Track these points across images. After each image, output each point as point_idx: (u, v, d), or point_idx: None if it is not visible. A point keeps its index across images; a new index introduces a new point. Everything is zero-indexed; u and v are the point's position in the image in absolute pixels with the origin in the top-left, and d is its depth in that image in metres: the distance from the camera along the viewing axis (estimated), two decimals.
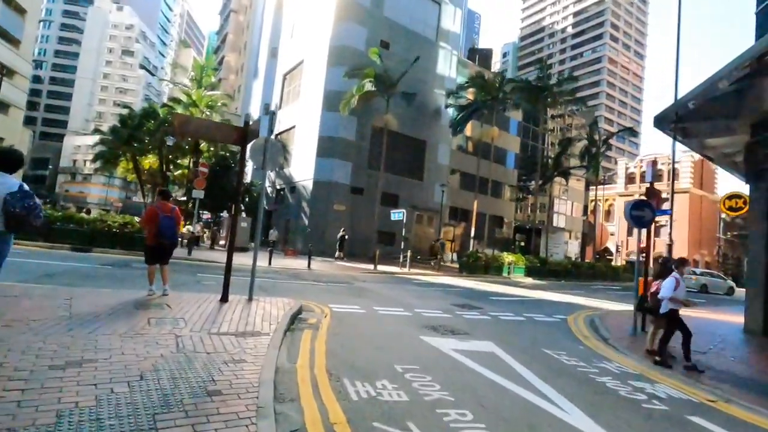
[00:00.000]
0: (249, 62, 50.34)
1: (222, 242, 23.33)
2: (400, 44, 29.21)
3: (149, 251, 6.80)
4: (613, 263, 41.55)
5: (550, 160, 38.99)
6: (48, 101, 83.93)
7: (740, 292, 34.16)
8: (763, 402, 4.74)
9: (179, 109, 28.70)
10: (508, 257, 24.10)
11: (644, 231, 9.10)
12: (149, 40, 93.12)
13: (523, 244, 42.12)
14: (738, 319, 13.06)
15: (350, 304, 8.76)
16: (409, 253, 20.02)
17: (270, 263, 15.75)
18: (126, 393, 3.02)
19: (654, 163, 9.37)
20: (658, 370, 5.90)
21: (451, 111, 32.47)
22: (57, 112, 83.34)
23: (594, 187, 38.40)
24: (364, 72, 24.11)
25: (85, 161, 68.67)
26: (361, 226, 26.48)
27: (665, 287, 6.21)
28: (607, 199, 60.80)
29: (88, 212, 19.42)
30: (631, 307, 13.16)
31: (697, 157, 58.79)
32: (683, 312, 6.47)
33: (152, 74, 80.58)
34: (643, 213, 8.23)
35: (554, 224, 43.88)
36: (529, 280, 22.35)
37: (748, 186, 14.65)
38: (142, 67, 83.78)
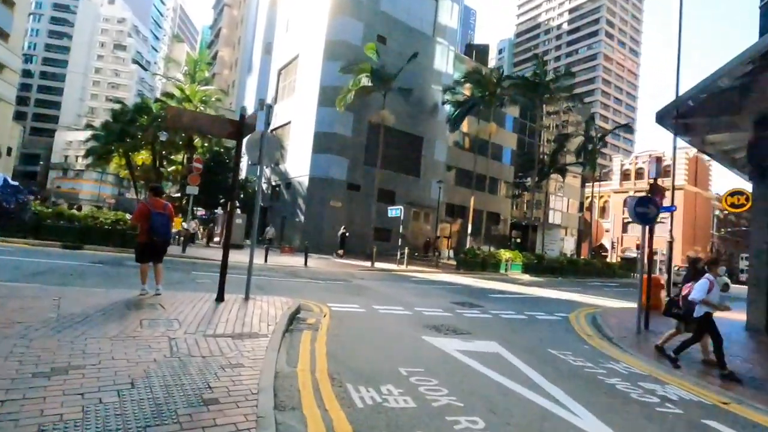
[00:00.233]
0: (243, 57, 49.80)
1: (216, 239, 23.05)
2: (396, 39, 28.93)
3: (141, 249, 6.58)
4: (608, 260, 41.69)
5: (546, 157, 38.91)
6: (38, 96, 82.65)
7: (734, 288, 34.39)
8: None
9: (172, 104, 28.27)
10: (505, 254, 24.00)
11: (645, 228, 8.93)
12: (142, 35, 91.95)
13: (519, 240, 42.12)
14: (738, 316, 13.05)
15: (349, 302, 8.57)
16: (406, 250, 19.85)
17: (266, 261, 15.51)
18: (115, 403, 2.81)
19: (658, 159, 9.26)
20: (665, 370, 5.77)
21: (448, 107, 32.27)
22: (48, 107, 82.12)
23: (590, 184, 38.39)
24: (361, 67, 23.84)
25: (76, 157, 67.82)
26: (357, 222, 26.28)
27: (698, 289, 5.81)
28: (602, 196, 61.03)
29: (79, 209, 19.05)
30: (631, 305, 13.16)
31: (692, 153, 59.13)
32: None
33: (145, 69, 79.67)
34: (648, 209, 8.09)
35: (550, 221, 43.92)
36: (527, 277, 22.28)
37: (744, 182, 14.75)
38: (135, 61, 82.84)
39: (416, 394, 3.76)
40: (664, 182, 54.10)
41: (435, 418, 3.34)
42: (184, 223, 18.75)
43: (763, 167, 9.69)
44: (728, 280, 31.51)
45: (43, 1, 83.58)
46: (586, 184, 49.93)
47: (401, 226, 22.39)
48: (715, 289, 5.81)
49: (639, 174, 62.29)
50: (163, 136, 24.17)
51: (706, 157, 62.01)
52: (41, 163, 72.67)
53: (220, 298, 6.59)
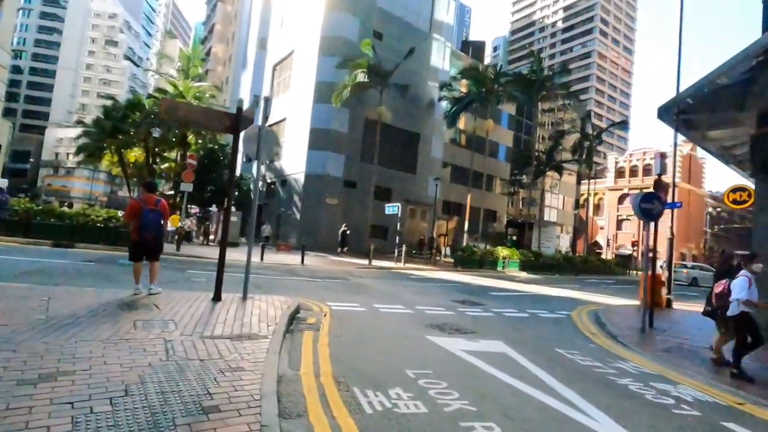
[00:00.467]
0: (237, 53, 49.24)
1: (211, 237, 22.71)
2: (393, 35, 28.68)
3: (133, 247, 6.36)
4: (602, 257, 41.82)
5: (542, 155, 38.89)
6: (28, 92, 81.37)
7: None
8: None
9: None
10: (502, 251, 23.92)
11: (649, 225, 8.82)
12: (134, 30, 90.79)
13: (515, 238, 42.13)
14: None
15: (349, 301, 8.38)
16: (404, 248, 19.68)
17: (262, 259, 15.27)
18: (108, 413, 2.60)
19: (662, 155, 9.15)
20: (675, 369, 5.64)
21: (444, 103, 32.10)
22: (38, 103, 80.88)
23: (586, 181, 38.45)
24: (357, 63, 23.59)
25: (68, 154, 66.89)
26: (353, 220, 26.05)
27: (737, 287, 5.45)
28: (596, 194, 61.22)
29: (70, 206, 18.66)
30: (631, 302, 13.12)
31: (686, 151, 59.47)
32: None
33: (137, 65, 78.69)
34: (653, 206, 7.98)
35: (546, 218, 43.96)
36: (524, 275, 22.21)
37: (741, 179, 14.71)
38: (127, 57, 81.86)
39: (426, 399, 3.58)
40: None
41: (448, 424, 3.16)
42: (186, 221, 18.52)
43: (767, 163, 9.60)
44: None
45: None
46: (582, 181, 50.06)
47: (399, 224, 22.21)
48: (753, 286, 5.48)
49: (633, 171, 62.59)
50: (156, 133, 23.78)
51: (700, 155, 62.46)
52: (31, 160, 71.61)
53: (217, 298, 6.37)
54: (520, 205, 46.03)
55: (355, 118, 27.28)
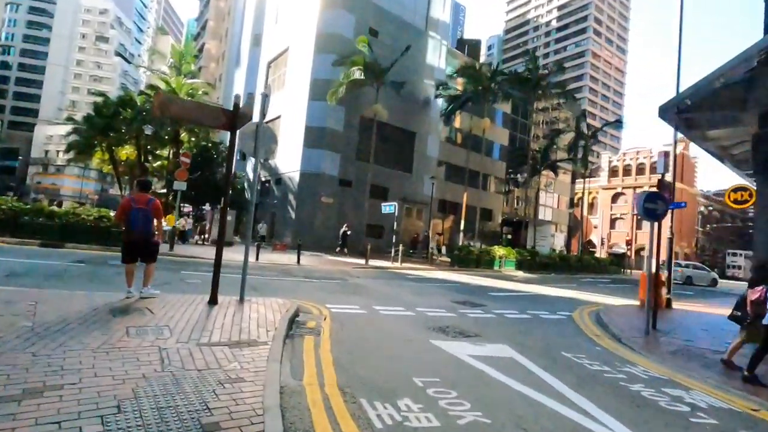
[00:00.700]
0: (231, 50, 48.69)
1: (205, 236, 22.40)
2: (389, 32, 28.45)
3: (124, 248, 6.12)
4: (596, 255, 41.99)
5: (537, 153, 38.89)
6: (17, 89, 79.98)
7: (723, 283, 34.95)
8: None
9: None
10: (499, 251, 23.85)
11: (653, 224, 8.72)
12: (125, 27, 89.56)
13: (510, 237, 42.12)
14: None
15: (348, 303, 8.18)
16: (401, 248, 19.51)
17: (257, 258, 15.01)
18: None
19: (667, 154, 9.04)
20: (683, 372, 5.53)
21: (440, 101, 31.94)
22: (27, 100, 79.52)
23: (582, 180, 38.53)
24: (353, 60, 23.32)
25: (57, 152, 65.91)
26: (349, 219, 25.82)
27: None
28: (590, 193, 61.53)
29: (60, 205, 18.24)
30: (630, 302, 13.07)
31: (678, 150, 60.02)
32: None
33: (128, 62, 77.67)
34: (656, 205, 7.86)
35: (540, 217, 44.03)
36: (521, 274, 22.15)
37: (739, 178, 14.72)
38: (118, 54, 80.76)
39: (438, 410, 3.40)
40: (651, 179, 54.87)
41: None
42: (181, 219, 18.25)
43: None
44: (716, 275, 32.04)
45: None
46: (576, 180, 50.20)
47: (395, 223, 22.03)
48: None
49: (627, 170, 62.99)
50: (148, 130, 23.38)
51: (692, 154, 63.02)
52: (20, 158, 70.47)
53: (213, 301, 6.15)
54: (515, 204, 46.06)
55: (351, 116, 27.03)
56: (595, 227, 60.95)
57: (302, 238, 19.54)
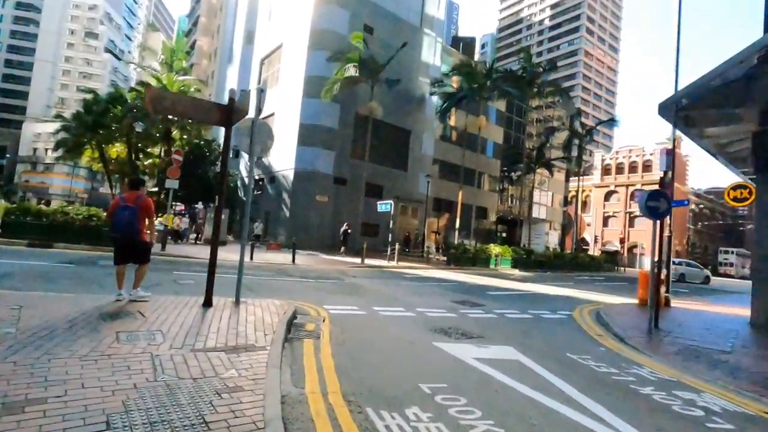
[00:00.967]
0: (223, 46, 48.14)
1: (198, 235, 22.06)
2: (383, 29, 28.21)
3: (114, 249, 5.88)
4: (589, 253, 42.18)
5: (532, 151, 38.91)
6: (4, 85, 78.57)
7: (715, 281, 35.24)
8: None
9: None
10: (495, 249, 23.78)
11: (655, 223, 8.62)
12: (115, 23, 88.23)
13: (504, 235, 42.16)
14: (735, 311, 13.07)
15: (346, 304, 7.99)
16: (397, 246, 19.34)
17: (252, 258, 14.76)
18: None
19: (668, 151, 8.94)
20: (692, 374, 5.41)
21: (435, 99, 31.80)
22: (14, 97, 78.11)
23: (576, 178, 38.63)
24: (349, 56, 23.09)
25: (46, 150, 64.74)
26: (344, 217, 25.62)
27: None
28: (583, 191, 61.85)
29: (48, 204, 17.82)
30: (628, 300, 13.02)
31: (661, 150, 60.42)
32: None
33: (118, 58, 76.56)
34: (659, 203, 7.76)
35: (535, 215, 44.11)
36: (517, 272, 22.09)
37: (736, 177, 14.75)
38: (108, 50, 79.61)
39: (448, 419, 3.23)
40: (644, 177, 55.05)
41: None
42: (176, 219, 17.97)
43: None
44: (709, 273, 32.27)
45: None
46: (570, 178, 50.39)
47: (391, 221, 21.86)
48: None
49: (620, 169, 63.37)
50: (138, 127, 22.97)
51: (684, 153, 63.52)
52: (8, 156, 69.18)
53: (207, 303, 5.93)
54: (509, 202, 46.11)
55: (346, 113, 26.79)
56: (588, 225, 61.28)
57: (297, 237, 19.29)
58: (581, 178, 44.54)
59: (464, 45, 40.93)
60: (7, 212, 12.66)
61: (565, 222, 48.34)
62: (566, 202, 50.93)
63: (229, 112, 5.76)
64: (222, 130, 5.90)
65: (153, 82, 29.66)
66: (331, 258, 19.46)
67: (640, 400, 4.26)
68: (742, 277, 51.54)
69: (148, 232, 6.00)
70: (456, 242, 26.93)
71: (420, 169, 30.44)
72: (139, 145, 31.86)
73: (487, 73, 28.53)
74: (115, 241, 5.79)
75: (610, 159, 64.60)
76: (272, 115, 29.30)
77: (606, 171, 64.46)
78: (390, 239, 21.13)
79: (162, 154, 32.03)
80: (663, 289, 12.18)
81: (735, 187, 10.05)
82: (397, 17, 29.54)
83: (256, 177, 30.66)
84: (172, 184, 15.03)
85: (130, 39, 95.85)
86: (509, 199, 45.25)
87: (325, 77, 24.31)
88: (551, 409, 3.71)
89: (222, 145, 6.07)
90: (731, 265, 55.14)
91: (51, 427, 2.39)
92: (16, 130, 71.64)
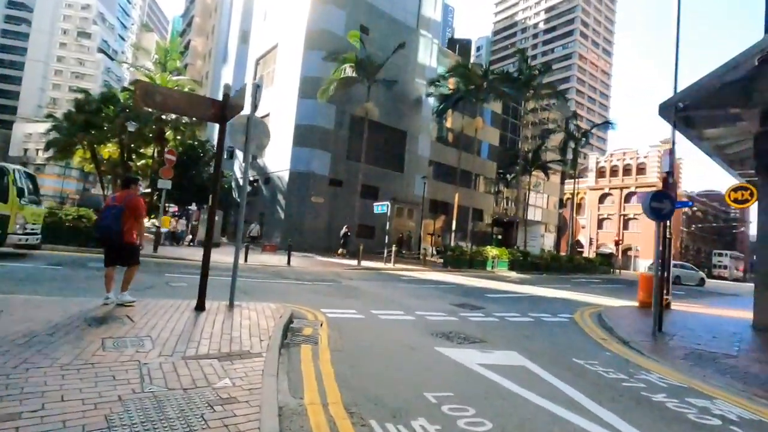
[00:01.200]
0: (217, 47, 47.78)
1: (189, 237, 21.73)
2: (380, 30, 28.07)
3: (104, 250, 5.62)
4: (584, 255, 42.24)
5: (528, 154, 38.94)
6: None
7: (710, 283, 35.36)
8: None
9: None
10: (492, 251, 23.65)
11: (659, 224, 8.49)
12: (108, 23, 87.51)
13: (500, 237, 42.11)
14: (735, 313, 13.01)
15: (344, 307, 7.77)
16: (393, 248, 19.14)
17: (246, 260, 14.48)
18: None
19: (671, 152, 8.84)
20: (702, 380, 5.25)
21: (431, 101, 31.70)
22: (5, 96, 77.19)
23: (573, 181, 38.71)
24: (345, 57, 22.91)
25: (37, 150, 63.95)
26: (340, 219, 25.40)
27: None
28: (578, 193, 62.11)
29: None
30: (627, 303, 12.90)
31: (663, 151, 60.85)
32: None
33: (111, 58, 75.88)
34: (663, 204, 7.63)
35: (530, 217, 44.12)
36: (514, 274, 21.96)
37: (733, 179, 14.72)
38: (101, 50, 78.90)
39: None
40: (638, 180, 55.30)
41: None
42: (173, 221, 17.70)
43: None
44: (704, 275, 32.38)
45: None
46: (565, 181, 50.52)
47: (388, 223, 21.67)
48: None
49: (614, 171, 63.67)
50: (131, 127, 22.55)
51: (677, 156, 63.99)
52: None
53: (200, 307, 5.68)
54: (505, 204, 46.10)
55: (342, 114, 26.59)
56: (583, 227, 61.49)
57: (292, 238, 19.03)
58: (577, 180, 44.68)
59: (460, 47, 40.92)
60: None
61: (561, 224, 48.43)
62: (561, 204, 51.04)
63: (224, 108, 5.53)
64: (216, 129, 5.67)
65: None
66: (327, 260, 19.21)
67: (654, 408, 4.07)
68: (736, 279, 51.94)
69: (135, 232, 5.72)
70: (452, 244, 26.78)
71: (416, 171, 30.29)
72: (132, 145, 31.41)
73: (484, 74, 28.48)
74: (98, 241, 5.54)
75: (605, 162, 64.89)
76: (267, 115, 29.01)
77: (600, 173, 64.73)
78: (387, 241, 20.93)
79: (155, 154, 31.62)
80: (663, 291, 12.09)
81: (736, 189, 9.96)
82: (394, 18, 29.43)
83: (251, 178, 30.34)
84: (165, 184, 14.72)
85: (123, 39, 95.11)
86: (505, 201, 45.25)
87: (321, 78, 24.11)
88: (564, 419, 3.52)
89: (216, 144, 5.84)
90: (725, 267, 55.54)
91: None
92: (6, 130, 70.73)
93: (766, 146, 9.38)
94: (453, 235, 29.34)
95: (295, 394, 3.48)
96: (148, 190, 29.79)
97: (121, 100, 29.22)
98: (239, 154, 31.47)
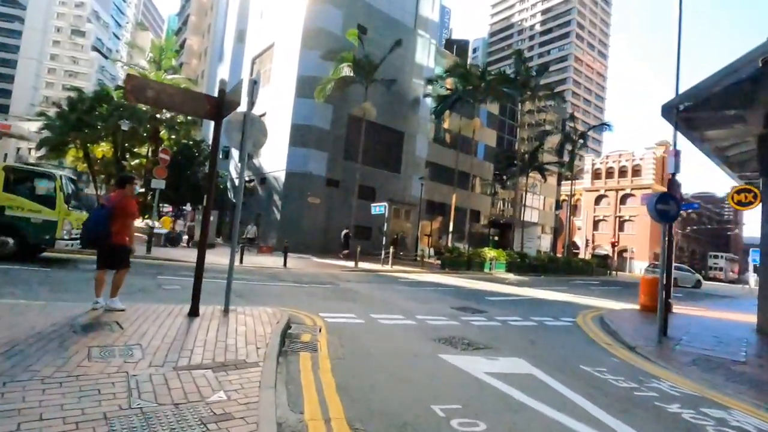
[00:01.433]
0: (213, 46, 47.43)
1: (187, 237, 21.45)
2: (377, 30, 27.86)
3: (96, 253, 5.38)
4: (580, 257, 42.24)
5: (525, 155, 38.89)
6: None
7: (706, 285, 35.44)
8: None
9: None
10: (489, 253, 23.51)
11: (665, 226, 8.34)
12: (102, 21, 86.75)
13: (497, 238, 42.03)
14: (736, 317, 12.95)
15: (342, 311, 7.55)
16: (391, 250, 18.94)
17: (241, 261, 14.23)
18: None
19: (676, 153, 8.70)
20: (714, 389, 5.09)
21: (429, 101, 31.55)
22: None
23: (570, 182, 38.71)
24: (343, 56, 22.69)
25: (29, 149, 63.08)
26: (336, 220, 25.17)
27: None
28: (574, 194, 62.20)
29: None
30: (628, 306, 12.76)
31: (660, 153, 61.03)
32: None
33: (105, 57, 75.18)
34: (669, 206, 7.47)
35: (527, 219, 44.07)
36: (512, 276, 21.82)
37: (732, 182, 14.66)
38: (95, 49, 78.16)
39: None
40: (633, 181, 55.25)
41: None
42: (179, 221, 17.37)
43: None
44: (700, 277, 32.42)
45: None
46: (561, 182, 50.55)
47: (385, 224, 21.46)
48: None
49: (609, 173, 63.79)
50: (125, 126, 22.20)
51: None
52: None
53: (193, 312, 5.44)
54: (501, 206, 46.04)
55: (339, 114, 26.35)
56: (579, 229, 61.56)
57: (288, 239, 18.77)
58: (574, 182, 44.69)
59: (458, 48, 40.84)
60: None
61: (557, 226, 48.45)
62: (558, 205, 51.08)
63: (220, 105, 5.30)
64: (212, 128, 5.45)
65: None
66: (324, 261, 18.98)
67: (670, 420, 3.89)
68: (731, 281, 52.19)
69: (124, 234, 5.45)
70: (450, 245, 26.62)
71: (413, 171, 30.12)
72: (126, 144, 31.02)
73: (482, 74, 28.36)
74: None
75: (600, 163, 65.03)
76: (264, 114, 28.67)
77: (596, 175, 64.86)
78: (384, 242, 20.73)
79: (149, 154, 31.24)
80: (668, 295, 11.97)
81: (739, 191, 9.84)
82: (391, 18, 29.25)
83: (247, 178, 30.02)
84: (159, 184, 14.43)
85: (118, 38, 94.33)
86: (501, 202, 45.18)
87: (318, 77, 23.88)
88: None
89: (211, 143, 5.60)
90: (720, 269, 55.81)
91: None
92: None
93: None
94: (450, 236, 29.18)
95: (295, 408, 3.26)
96: (142, 190, 29.42)
97: (115, 99, 28.82)
98: (234, 153, 31.16)
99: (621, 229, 60.23)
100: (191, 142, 30.84)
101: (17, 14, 77.99)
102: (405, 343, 5.80)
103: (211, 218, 19.47)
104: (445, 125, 34.47)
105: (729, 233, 78.31)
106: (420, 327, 6.95)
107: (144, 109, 28.94)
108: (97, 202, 16.32)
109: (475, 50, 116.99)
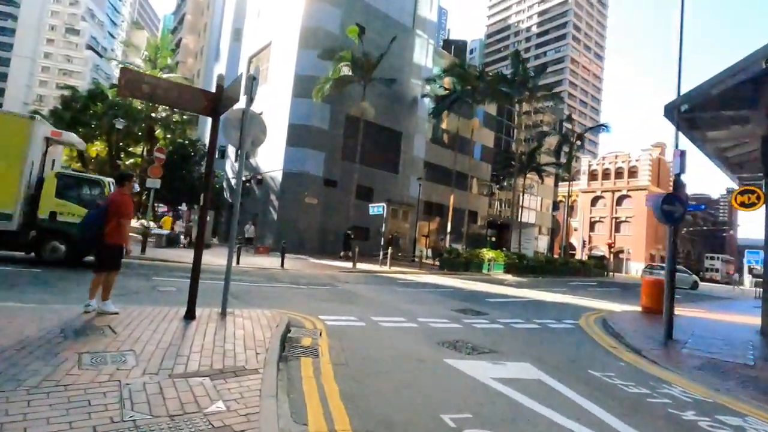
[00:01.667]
0: (209, 45, 47.11)
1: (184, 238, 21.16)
2: (375, 29, 27.71)
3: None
4: (576, 258, 42.23)
5: (523, 155, 38.84)
6: None
7: (702, 286, 35.52)
8: None
9: None
10: (488, 254, 23.39)
11: (671, 228, 8.24)
12: (97, 19, 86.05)
13: (494, 239, 41.94)
14: (738, 318, 12.89)
15: (343, 313, 7.37)
16: (389, 251, 18.77)
17: (238, 262, 14.00)
18: None
19: (682, 152, 8.58)
20: (727, 394, 4.96)
21: (427, 101, 31.43)
22: None
23: (567, 183, 38.71)
24: (341, 55, 22.52)
25: None
26: (334, 220, 24.98)
27: None
28: (570, 196, 62.32)
29: None
30: (629, 307, 12.67)
31: (655, 155, 61.30)
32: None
33: (100, 55, 74.53)
34: (675, 207, 7.37)
35: (524, 220, 44.03)
36: (510, 277, 21.70)
37: (732, 183, 14.62)
38: (90, 47, 77.53)
39: None
40: (629, 183, 55.41)
41: None
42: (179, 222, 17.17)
43: None
44: (697, 278, 32.49)
45: None
46: (558, 183, 50.58)
47: (383, 225, 21.29)
48: None
49: (606, 174, 64.03)
50: (119, 125, 21.91)
51: (669, 159, 64.55)
52: None
53: (190, 315, 5.26)
54: (498, 206, 45.97)
55: (336, 114, 26.17)
56: (575, 230, 61.67)
57: (285, 240, 18.56)
58: (570, 183, 44.70)
59: (455, 48, 40.78)
60: None
61: (554, 226, 48.47)
62: (555, 206, 51.12)
63: (217, 101, 5.12)
64: (208, 127, 5.27)
65: None
66: (322, 262, 18.78)
67: (687, 428, 3.75)
68: (727, 283, 52.40)
69: (119, 234, 5.25)
70: (447, 246, 26.49)
71: (411, 172, 29.98)
72: (121, 144, 30.68)
73: (480, 74, 28.28)
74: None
75: (597, 165, 65.24)
76: (260, 114, 28.42)
77: (593, 176, 65.08)
78: (382, 243, 20.56)
79: (144, 153, 30.89)
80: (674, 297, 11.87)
81: (742, 192, 9.76)
82: (390, 17, 29.10)
83: (243, 178, 29.75)
84: (154, 183, 14.20)
85: (113, 36, 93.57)
86: (499, 203, 45.12)
87: (316, 77, 23.69)
88: None
89: (208, 141, 5.42)
90: (716, 270, 56.05)
91: None
92: None
93: None
94: (448, 237, 29.06)
95: (298, 418, 3.08)
96: (138, 190, 29.09)
97: (110, 97, 28.49)
98: (231, 153, 30.89)
99: (617, 230, 60.48)
100: (187, 142, 30.54)
101: (11, 12, 77.24)
102: (408, 347, 5.64)
103: (208, 218, 19.33)
104: (443, 125, 34.34)
105: (724, 234, 78.75)
106: (422, 330, 6.79)
107: (139, 107, 28.63)
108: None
109: (472, 51, 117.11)
